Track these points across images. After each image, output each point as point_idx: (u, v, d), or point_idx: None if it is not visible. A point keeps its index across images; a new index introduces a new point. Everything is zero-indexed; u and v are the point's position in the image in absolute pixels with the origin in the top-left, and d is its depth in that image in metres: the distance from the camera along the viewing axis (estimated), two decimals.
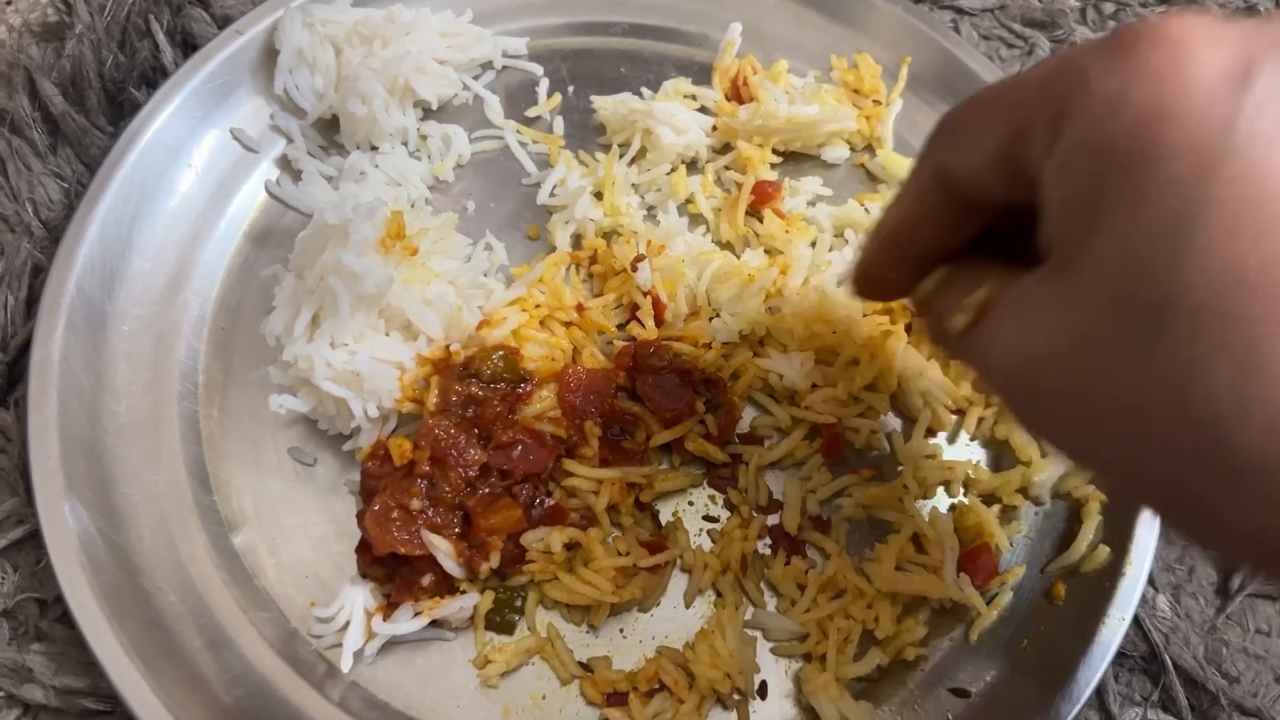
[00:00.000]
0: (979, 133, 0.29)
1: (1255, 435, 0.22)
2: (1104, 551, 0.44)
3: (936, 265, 0.33)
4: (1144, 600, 0.45)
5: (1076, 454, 0.27)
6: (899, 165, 0.54)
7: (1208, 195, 0.22)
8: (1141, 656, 0.44)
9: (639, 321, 0.49)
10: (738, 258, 0.50)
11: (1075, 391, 0.25)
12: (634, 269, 0.49)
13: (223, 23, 0.55)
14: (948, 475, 0.47)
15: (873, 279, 0.35)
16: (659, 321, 0.49)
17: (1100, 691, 0.43)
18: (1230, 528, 0.23)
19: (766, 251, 0.51)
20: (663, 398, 0.46)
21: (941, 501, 0.47)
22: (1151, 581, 0.45)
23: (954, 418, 0.48)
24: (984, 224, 0.31)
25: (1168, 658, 0.44)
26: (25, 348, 0.47)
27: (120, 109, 0.53)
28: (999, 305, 0.28)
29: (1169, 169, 0.23)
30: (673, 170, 0.54)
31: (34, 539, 0.44)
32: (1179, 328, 0.23)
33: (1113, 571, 0.43)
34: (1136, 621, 0.44)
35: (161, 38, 0.53)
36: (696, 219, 0.53)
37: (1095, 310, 0.24)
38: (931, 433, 0.48)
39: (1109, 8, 0.61)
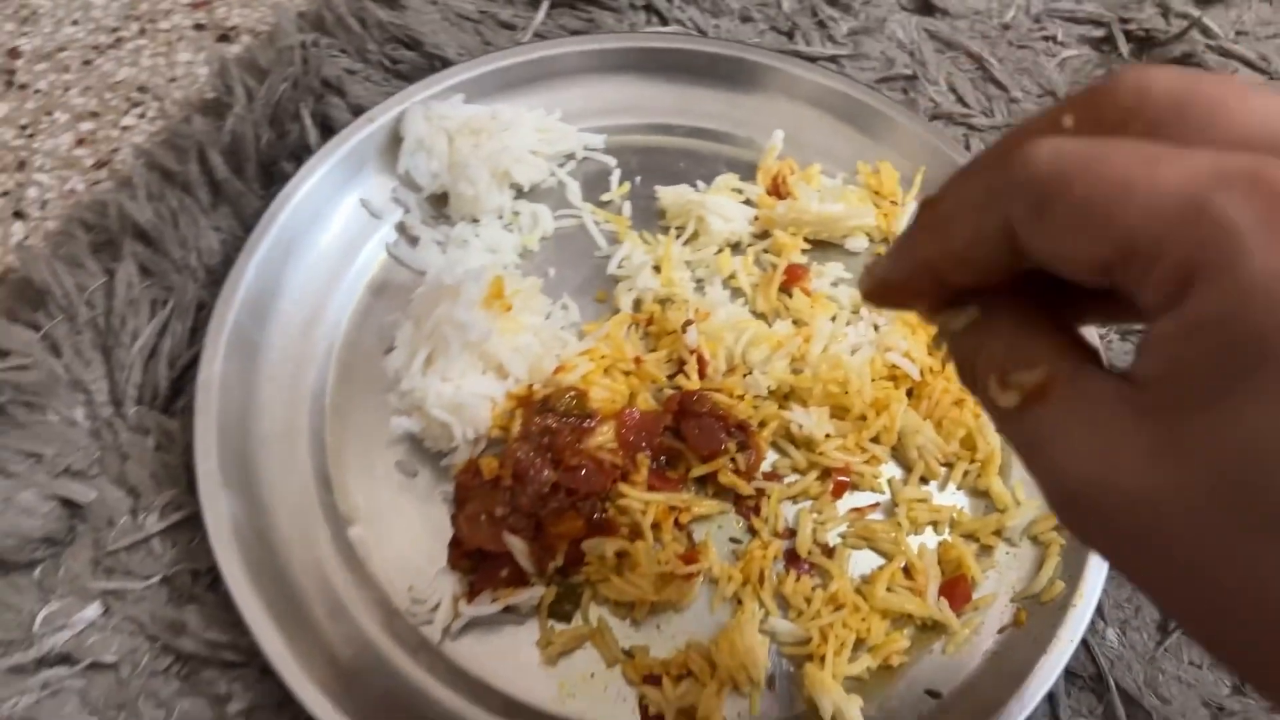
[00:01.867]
0: (1074, 231, 0.22)
1: None
2: (1060, 585, 0.52)
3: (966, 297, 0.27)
4: (1095, 631, 0.53)
5: (1142, 589, 0.24)
6: None
7: None
8: (1090, 678, 0.52)
9: (685, 374, 0.57)
10: (769, 326, 0.59)
11: (1160, 547, 0.22)
12: (684, 331, 0.57)
13: (357, 111, 0.64)
14: (935, 516, 0.55)
15: (890, 297, 0.30)
16: (702, 375, 0.57)
17: (1054, 705, 0.51)
18: None
19: (794, 322, 0.60)
20: (702, 438, 0.54)
21: (929, 538, 0.55)
22: (1103, 615, 0.53)
23: (943, 469, 0.56)
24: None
25: (1112, 680, 0.52)
26: (187, 368, 0.56)
27: (271, 178, 0.62)
28: (1058, 398, 0.24)
29: None
30: (719, 251, 0.62)
31: (188, 522, 0.52)
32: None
33: (1065, 603, 0.51)
34: (1087, 647, 0.52)
35: (308, 122, 0.63)
36: (737, 292, 0.62)
37: (1205, 487, 0.21)
38: (924, 480, 0.56)
39: None
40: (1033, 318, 0.26)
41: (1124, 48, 0.75)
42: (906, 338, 0.58)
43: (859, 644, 0.51)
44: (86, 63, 0.74)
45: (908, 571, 0.53)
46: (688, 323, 0.57)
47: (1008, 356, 0.25)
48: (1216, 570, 0.21)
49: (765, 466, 0.56)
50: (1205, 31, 0.75)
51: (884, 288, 0.29)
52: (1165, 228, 0.21)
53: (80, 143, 0.70)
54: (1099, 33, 0.76)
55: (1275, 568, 0.20)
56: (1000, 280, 0.26)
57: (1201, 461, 0.21)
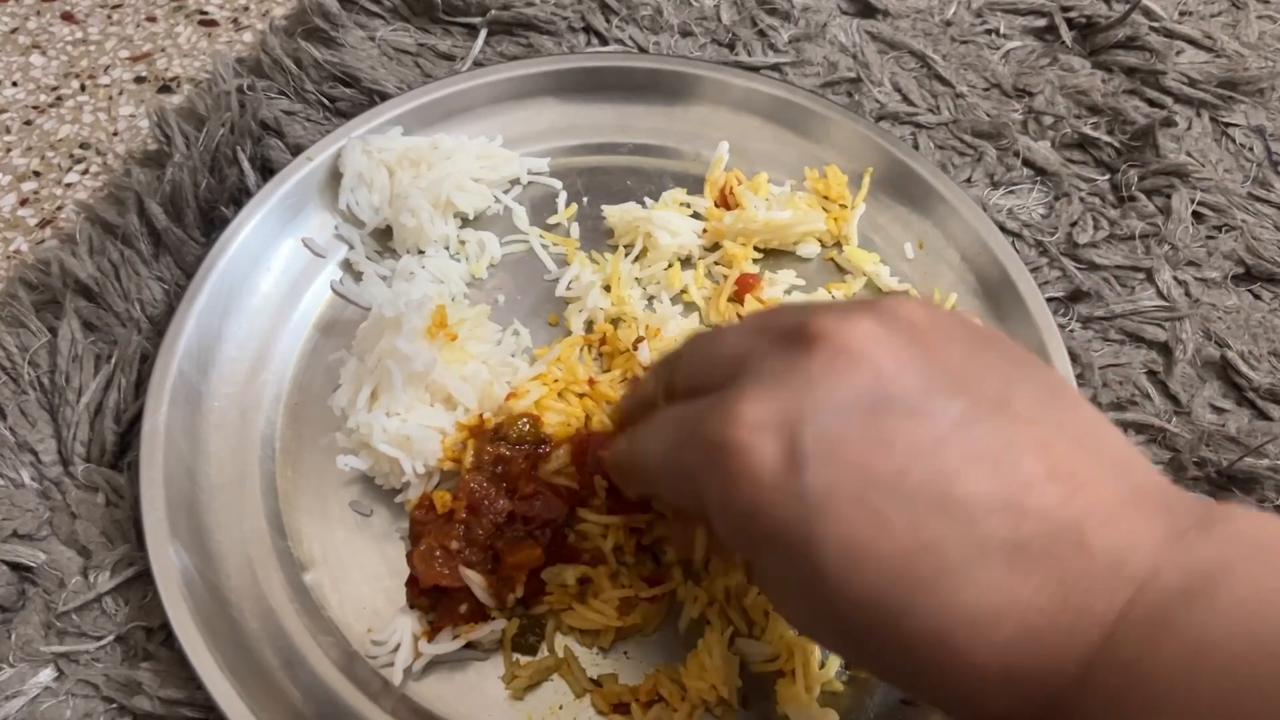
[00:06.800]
0: (658, 474, 0.38)
1: (933, 685, 0.30)
2: None
3: None
4: None
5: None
6: (862, 258, 0.62)
7: (814, 554, 0.29)
8: None
9: None
10: None
11: (826, 645, 0.40)
12: (635, 348, 0.57)
13: (295, 150, 0.64)
14: None
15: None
16: None
17: None
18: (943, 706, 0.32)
19: (738, 318, 0.59)
20: None
21: None
22: None
23: None
24: None
25: None
26: (133, 421, 0.55)
27: (212, 224, 0.62)
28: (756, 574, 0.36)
29: (780, 544, 0.30)
30: (669, 267, 0.61)
31: (141, 578, 0.51)
32: (850, 631, 0.31)
33: None
34: None
35: (246, 165, 0.63)
36: (690, 307, 0.61)
37: (797, 615, 0.34)
38: None
39: (1048, 120, 0.71)
40: None
41: (1067, 36, 0.74)
42: None
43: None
44: (27, 123, 0.73)
45: None
46: (639, 340, 0.57)
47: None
48: (848, 655, 0.35)
49: None
50: (1148, 14, 0.75)
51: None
52: (680, 476, 0.36)
53: (24, 203, 0.69)
54: (1041, 23, 0.76)
55: (857, 646, 0.32)
56: None
57: (785, 604, 0.34)
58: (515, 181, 0.66)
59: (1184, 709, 0.25)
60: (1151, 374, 0.60)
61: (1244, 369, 0.59)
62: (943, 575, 0.28)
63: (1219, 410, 0.59)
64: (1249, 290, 0.64)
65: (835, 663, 0.50)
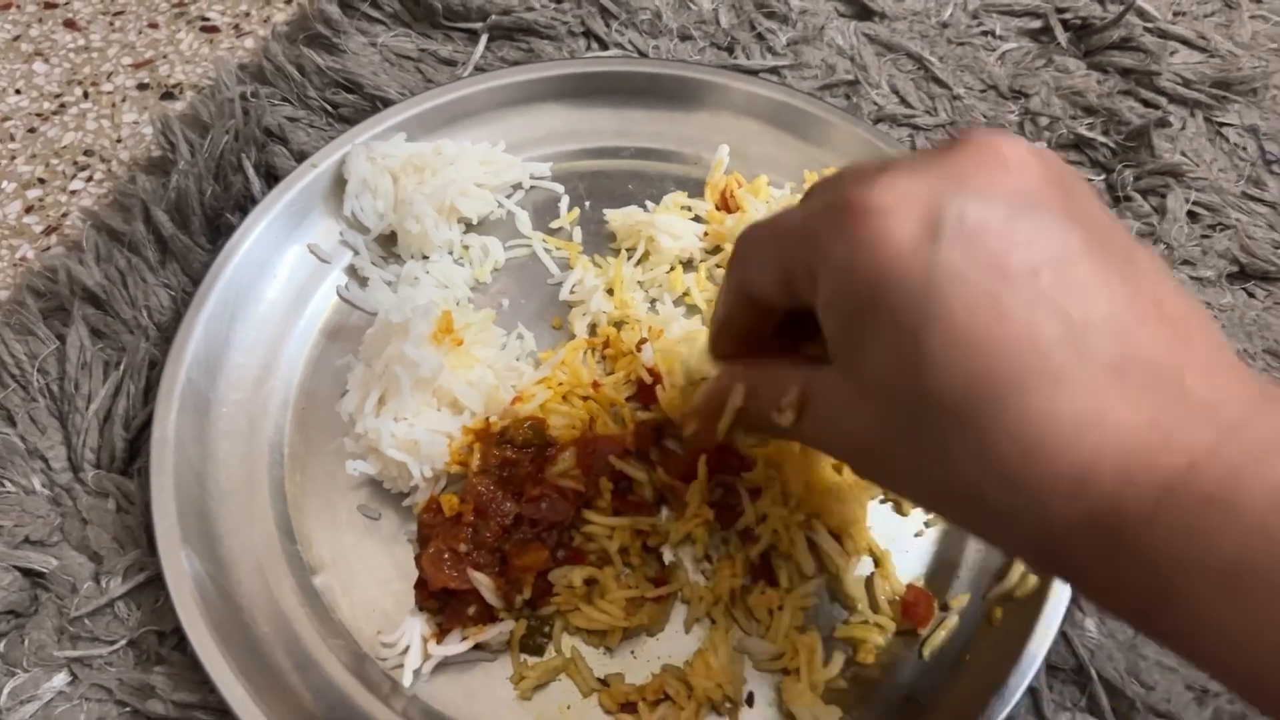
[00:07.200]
0: (761, 264, 0.37)
1: (998, 493, 0.30)
2: (1032, 580, 0.52)
3: (761, 339, 0.42)
4: (1074, 622, 0.52)
5: (900, 496, 0.38)
6: None
7: (926, 329, 0.29)
8: (1071, 669, 0.52)
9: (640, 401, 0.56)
10: None
11: (884, 465, 0.34)
12: (638, 349, 0.57)
13: (300, 157, 0.64)
14: None
15: (719, 352, 0.45)
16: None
17: (1036, 700, 0.51)
18: (1005, 548, 0.33)
19: None
20: (670, 461, 0.54)
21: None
22: (1080, 606, 0.53)
23: None
24: (785, 312, 0.39)
25: (1093, 670, 0.51)
26: (143, 428, 0.56)
27: (218, 231, 0.62)
28: (812, 401, 0.36)
29: (894, 315, 0.30)
30: (671, 270, 0.62)
31: (152, 583, 0.51)
32: (931, 426, 0.31)
33: (1040, 597, 0.51)
34: (1067, 639, 0.51)
35: (251, 172, 0.63)
36: (692, 309, 0.61)
37: (876, 411, 0.32)
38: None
39: (1044, 120, 0.71)
40: (782, 356, 0.40)
41: (1062, 37, 0.75)
42: None
43: (831, 645, 0.51)
44: (31, 130, 0.74)
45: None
46: (641, 341, 0.57)
47: (772, 393, 0.38)
48: (911, 463, 0.32)
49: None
50: (1142, 14, 0.76)
51: (713, 347, 0.45)
52: (795, 250, 0.34)
53: (29, 210, 0.70)
54: (1036, 24, 0.76)
55: (930, 446, 0.31)
56: (771, 326, 0.41)
57: (872, 400, 0.33)
58: (518, 186, 0.66)
59: (1261, 541, 0.26)
60: None
61: None
62: (1045, 377, 0.29)
63: None
64: (1243, 288, 0.65)
65: (839, 661, 0.50)
